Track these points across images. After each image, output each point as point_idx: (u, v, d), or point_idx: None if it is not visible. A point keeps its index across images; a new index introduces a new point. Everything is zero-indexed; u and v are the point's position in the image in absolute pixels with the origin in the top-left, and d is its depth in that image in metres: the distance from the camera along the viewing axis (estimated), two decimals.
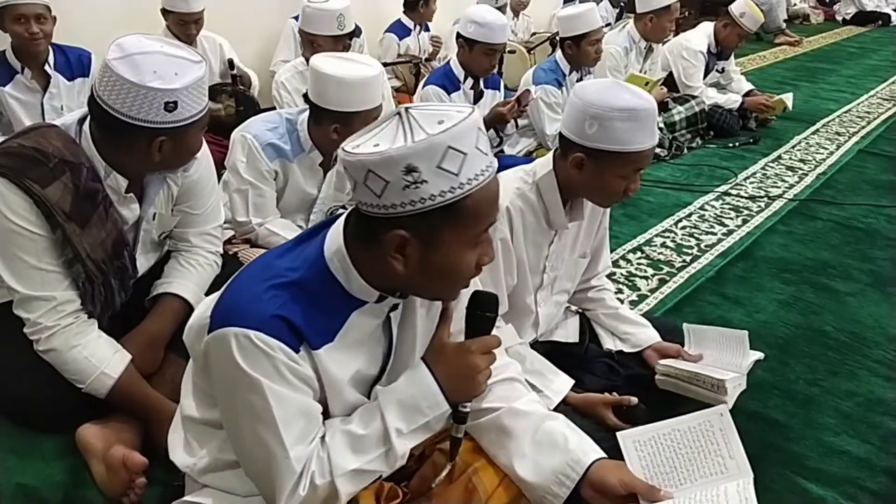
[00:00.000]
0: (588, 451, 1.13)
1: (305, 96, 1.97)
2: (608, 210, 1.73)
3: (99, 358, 1.52)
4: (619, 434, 1.19)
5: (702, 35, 4.15)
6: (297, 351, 0.96)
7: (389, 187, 0.90)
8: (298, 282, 0.98)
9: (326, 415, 1.05)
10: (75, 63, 2.83)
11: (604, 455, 1.14)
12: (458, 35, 2.91)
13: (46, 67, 2.77)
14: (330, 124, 1.91)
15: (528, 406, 1.20)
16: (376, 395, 1.05)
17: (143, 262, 1.72)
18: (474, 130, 0.92)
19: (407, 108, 0.94)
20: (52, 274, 1.48)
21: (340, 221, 1.03)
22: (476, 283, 1.14)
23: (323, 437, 1.01)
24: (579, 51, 3.20)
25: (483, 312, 1.04)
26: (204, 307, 1.05)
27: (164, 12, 3.31)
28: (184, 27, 3.32)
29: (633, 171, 1.43)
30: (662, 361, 1.68)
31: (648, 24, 3.73)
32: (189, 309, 1.64)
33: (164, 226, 1.72)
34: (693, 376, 1.60)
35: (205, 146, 1.73)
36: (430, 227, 0.93)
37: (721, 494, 1.03)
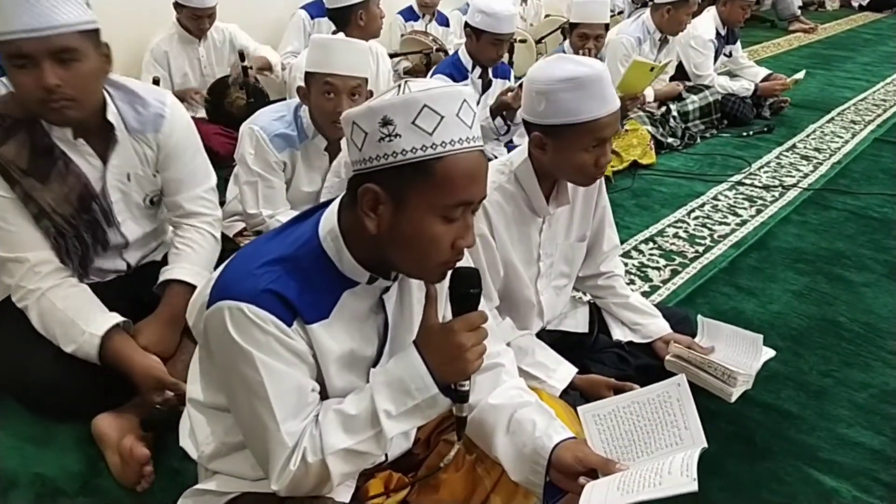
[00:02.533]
0: (552, 434, 1.12)
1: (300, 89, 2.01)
2: (604, 190, 1.71)
3: (85, 319, 1.54)
4: (579, 409, 1.18)
5: (708, 21, 4.10)
6: (289, 325, 0.97)
7: (367, 139, 0.94)
8: (292, 258, 1.00)
9: (325, 395, 1.05)
10: None
11: (570, 436, 1.13)
12: (466, 24, 2.90)
13: None
14: (320, 90, 1.94)
15: (500, 398, 1.18)
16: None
17: (135, 228, 1.73)
18: (458, 100, 0.94)
19: (407, 80, 0.97)
20: (18, 234, 1.51)
21: (336, 202, 1.04)
22: None
23: (317, 416, 1.01)
24: (570, 39, 3.19)
25: (465, 289, 1.02)
26: (204, 286, 1.06)
27: (177, 6, 3.31)
28: (197, 21, 3.33)
29: (596, 142, 1.39)
30: (676, 346, 1.67)
31: (665, 15, 3.68)
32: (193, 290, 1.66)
33: (146, 188, 1.72)
34: (705, 363, 1.60)
35: (180, 108, 1.74)
36: (400, 185, 0.94)
37: (667, 465, 1.02)
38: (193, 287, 1.67)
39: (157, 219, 1.81)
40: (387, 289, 1.08)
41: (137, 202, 1.72)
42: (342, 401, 1.03)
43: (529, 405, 1.17)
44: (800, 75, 4.22)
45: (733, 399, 1.58)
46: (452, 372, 1.00)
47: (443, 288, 1.04)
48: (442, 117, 0.92)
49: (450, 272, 1.02)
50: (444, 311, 1.10)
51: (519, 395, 1.20)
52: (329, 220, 1.03)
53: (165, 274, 1.71)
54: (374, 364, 1.09)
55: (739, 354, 1.66)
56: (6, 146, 1.46)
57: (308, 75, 1.97)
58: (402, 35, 4.29)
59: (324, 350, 1.02)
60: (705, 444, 1.09)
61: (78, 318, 1.53)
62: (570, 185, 1.55)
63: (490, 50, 2.85)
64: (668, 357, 1.66)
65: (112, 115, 1.57)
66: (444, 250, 0.98)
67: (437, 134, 0.92)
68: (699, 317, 1.79)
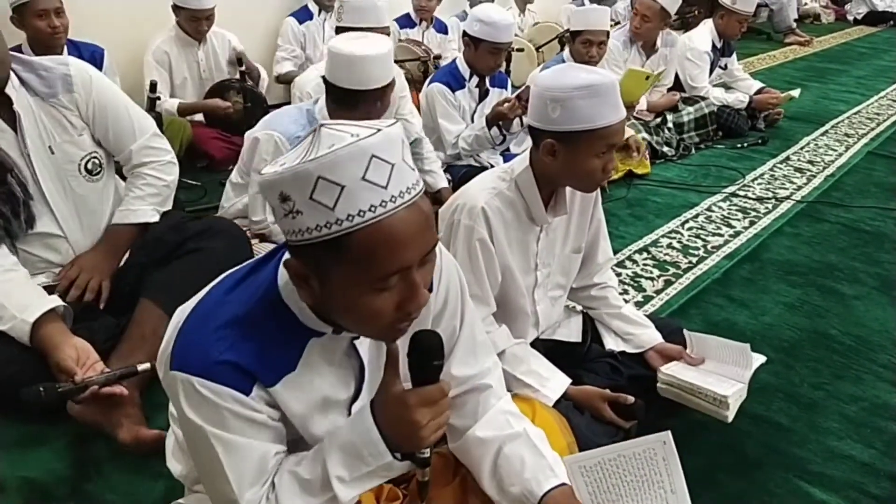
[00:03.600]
0: (542, 480, 1.10)
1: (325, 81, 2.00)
2: (599, 202, 1.72)
3: (18, 305, 1.59)
4: (565, 459, 1.17)
5: (705, 33, 4.12)
6: (248, 394, 0.90)
7: (276, 213, 0.84)
8: (249, 316, 0.92)
9: (304, 441, 1.01)
10: (88, 59, 2.84)
11: (561, 482, 1.12)
12: (465, 33, 2.90)
13: None
14: (362, 104, 1.94)
15: (487, 428, 1.15)
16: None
17: (66, 204, 1.77)
18: (362, 161, 0.79)
19: (323, 125, 0.85)
20: None
21: None
22: (455, 292, 1.11)
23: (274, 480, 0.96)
24: (571, 47, 3.22)
25: (426, 361, 0.93)
26: (170, 336, 0.96)
27: (176, 8, 3.32)
28: (196, 24, 3.33)
29: (607, 148, 1.42)
30: (664, 369, 1.67)
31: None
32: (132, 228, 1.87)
33: (75, 155, 1.76)
34: (695, 389, 1.58)
35: (86, 65, 1.80)
36: (317, 263, 0.84)
37: None
38: (130, 226, 1.86)
39: (102, 199, 1.85)
40: (356, 335, 0.99)
41: (73, 174, 1.76)
42: (299, 461, 0.97)
43: (518, 438, 1.15)
44: (795, 93, 4.25)
45: (730, 419, 1.57)
46: (407, 445, 0.94)
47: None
48: (342, 187, 0.78)
49: (411, 328, 0.92)
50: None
51: (507, 423, 1.16)
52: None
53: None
54: (353, 402, 1.04)
55: (730, 365, 1.66)
56: None
57: (348, 92, 1.94)
58: (399, 40, 4.31)
59: (291, 406, 0.96)
60: None
61: (10, 303, 1.58)
62: (567, 196, 1.57)
63: (488, 59, 2.86)
64: (659, 384, 1.66)
65: (10, 89, 1.63)
66: (386, 317, 0.86)
67: (339, 208, 0.79)
68: (685, 332, 1.79)
